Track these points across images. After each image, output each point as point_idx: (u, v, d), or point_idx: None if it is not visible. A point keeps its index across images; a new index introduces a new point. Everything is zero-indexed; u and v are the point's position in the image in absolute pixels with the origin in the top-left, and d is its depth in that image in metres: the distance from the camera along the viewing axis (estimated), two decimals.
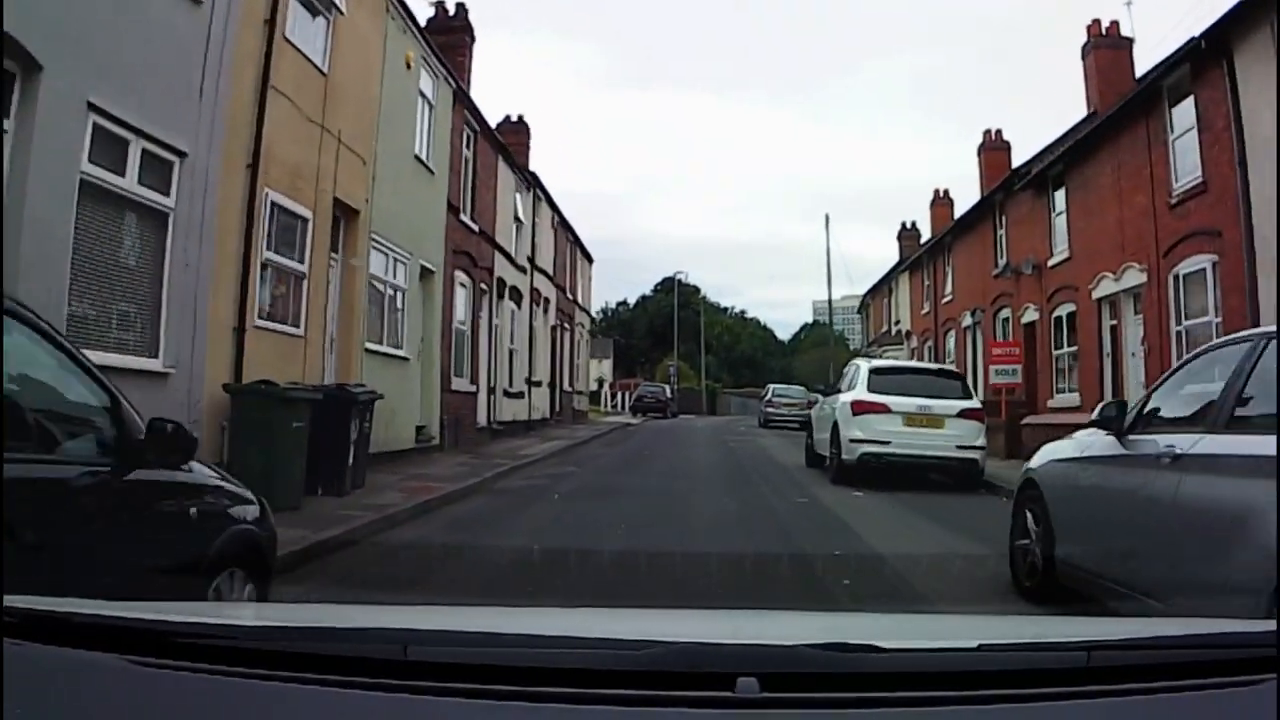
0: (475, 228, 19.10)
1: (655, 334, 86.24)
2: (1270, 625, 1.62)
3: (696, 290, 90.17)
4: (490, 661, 1.46)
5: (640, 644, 1.48)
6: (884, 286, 43.01)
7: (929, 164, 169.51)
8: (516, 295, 23.72)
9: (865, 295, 48.53)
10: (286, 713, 1.39)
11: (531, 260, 25.62)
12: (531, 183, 25.75)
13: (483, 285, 19.94)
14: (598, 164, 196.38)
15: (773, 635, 1.80)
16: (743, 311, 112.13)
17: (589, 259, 38.53)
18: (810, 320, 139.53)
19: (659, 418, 44.86)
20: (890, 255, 47.93)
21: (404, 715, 1.37)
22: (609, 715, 1.36)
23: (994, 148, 28.93)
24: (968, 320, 27.34)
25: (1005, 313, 24.01)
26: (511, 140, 25.24)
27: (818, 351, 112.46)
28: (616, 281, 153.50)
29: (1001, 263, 24.07)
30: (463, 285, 18.49)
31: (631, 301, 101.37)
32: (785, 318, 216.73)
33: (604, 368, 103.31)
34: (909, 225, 43.29)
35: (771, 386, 38.07)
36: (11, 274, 5.85)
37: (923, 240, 37.66)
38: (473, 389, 19.24)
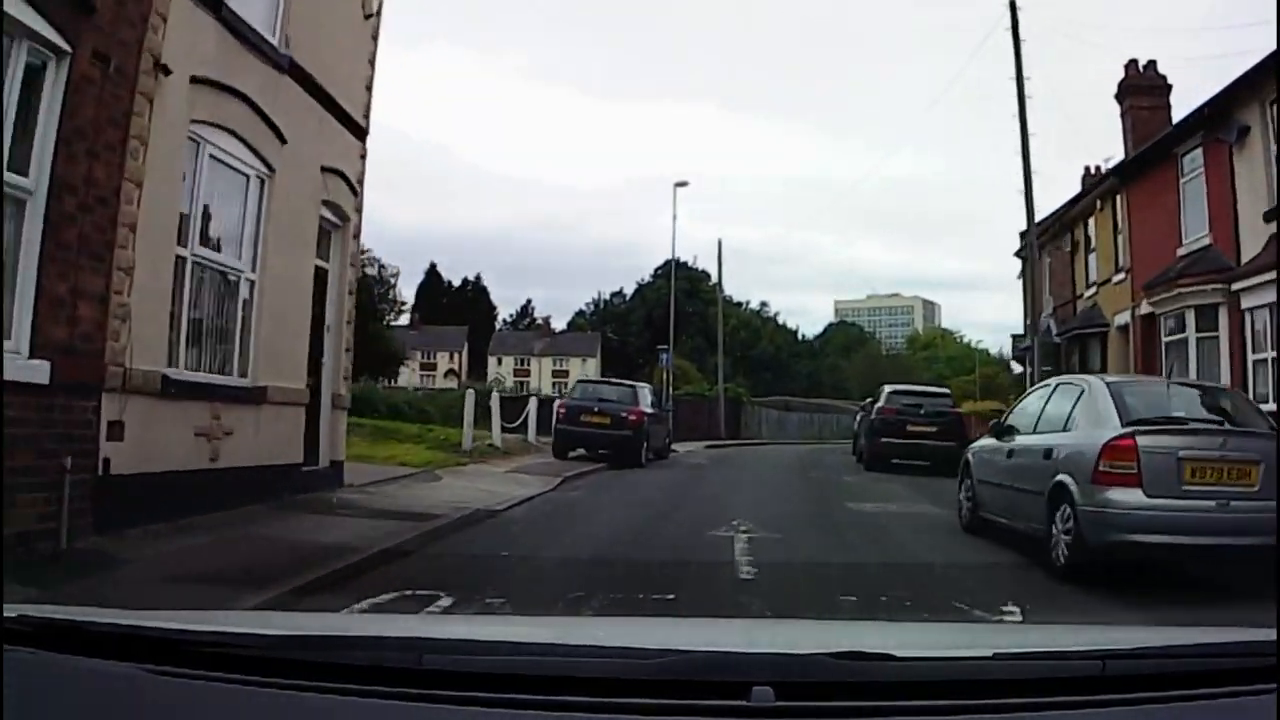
0: None
1: (655, 328, 70.12)
2: None
3: (706, 276, 73.10)
4: (506, 670, 1.47)
5: (657, 653, 1.50)
6: (1170, 151, 17.95)
7: (935, 173, 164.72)
8: None
9: (1095, 188, 23.44)
10: None
11: None
12: None
13: None
14: (603, 168, 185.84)
15: (788, 644, 1.79)
16: (763, 304, 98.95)
17: None
18: (834, 320, 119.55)
19: (607, 468, 18.08)
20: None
21: None
22: None
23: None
24: None
25: None
26: None
27: (860, 353, 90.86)
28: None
29: None
30: None
31: (629, 292, 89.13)
32: (798, 326, 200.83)
33: (588, 368, 79.36)
34: (1142, 66, 21.71)
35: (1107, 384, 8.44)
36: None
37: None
38: None
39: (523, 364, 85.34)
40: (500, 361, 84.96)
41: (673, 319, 41.19)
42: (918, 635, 2.37)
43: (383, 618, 2.77)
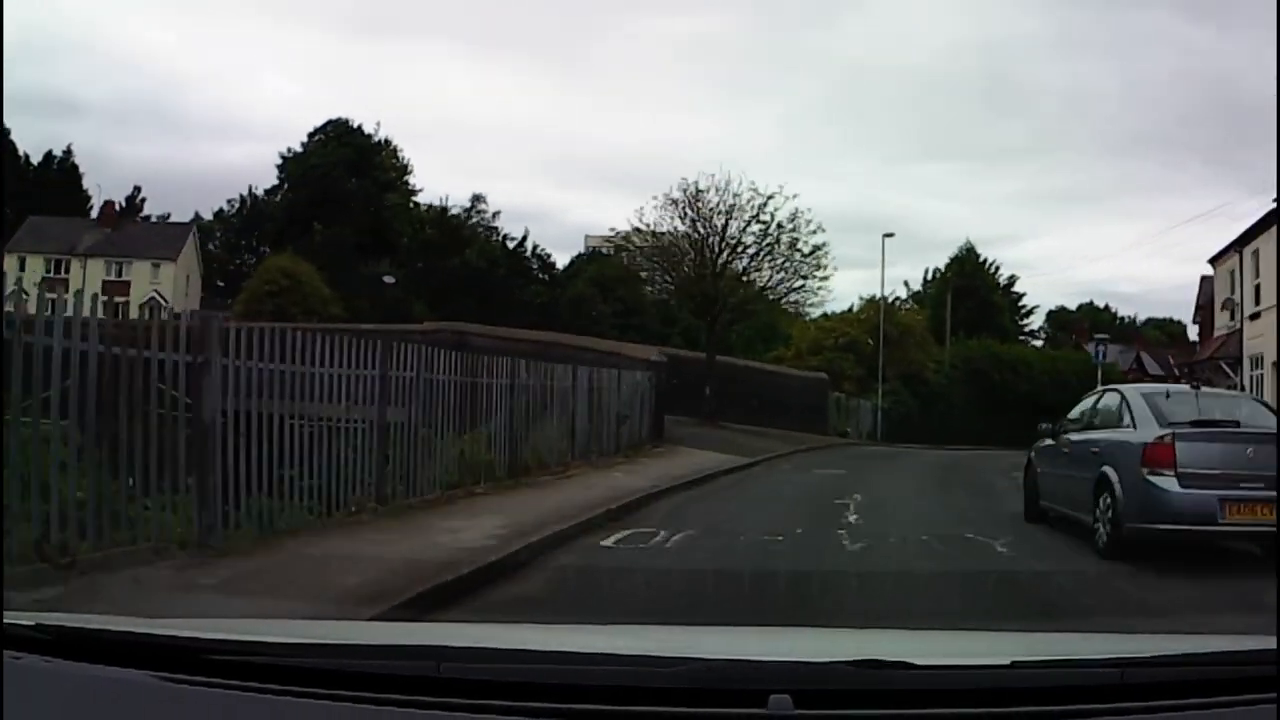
0: None
1: (297, 220, 51.44)
2: None
3: (389, 148, 54.67)
4: (524, 679, 1.46)
5: (674, 661, 1.49)
6: None
7: (692, 133, 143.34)
8: None
9: None
10: None
11: None
12: None
13: None
14: (327, 111, 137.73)
15: (806, 653, 1.77)
16: (477, 199, 60.23)
17: None
18: (584, 250, 71.79)
19: None
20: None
21: None
22: None
23: None
24: None
25: None
26: None
27: (623, 290, 54.26)
28: None
29: None
30: None
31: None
32: (536, 243, 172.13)
33: (162, 276, 54.69)
34: None
35: None
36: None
37: None
38: None
39: (60, 268, 53.52)
40: (23, 264, 51.85)
41: None
42: (936, 643, 2.39)
43: (399, 625, 2.72)
